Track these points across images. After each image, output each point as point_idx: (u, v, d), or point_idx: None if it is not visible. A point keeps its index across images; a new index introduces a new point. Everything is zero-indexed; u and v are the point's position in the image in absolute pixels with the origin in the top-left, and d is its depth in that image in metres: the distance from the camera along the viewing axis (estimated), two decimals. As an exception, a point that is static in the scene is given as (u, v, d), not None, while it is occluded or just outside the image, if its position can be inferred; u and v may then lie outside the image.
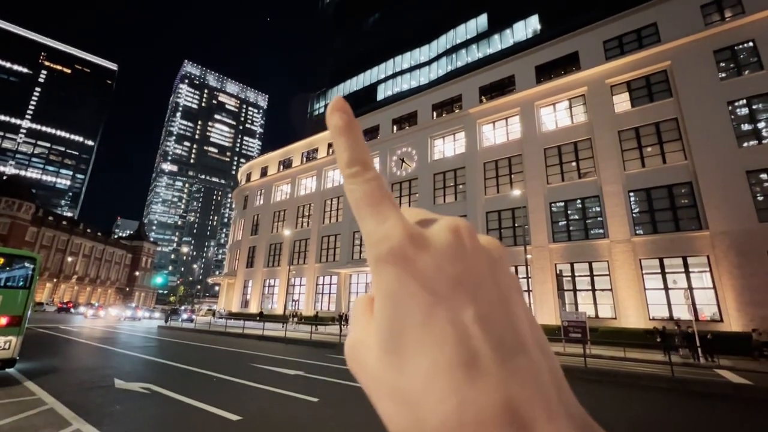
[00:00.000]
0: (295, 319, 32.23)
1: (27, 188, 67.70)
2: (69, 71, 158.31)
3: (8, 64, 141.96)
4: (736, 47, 20.92)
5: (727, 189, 19.09)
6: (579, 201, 24.04)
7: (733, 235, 18.51)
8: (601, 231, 22.77)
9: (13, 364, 7.96)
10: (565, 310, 21.85)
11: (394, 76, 56.32)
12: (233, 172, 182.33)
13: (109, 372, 9.49)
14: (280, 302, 39.21)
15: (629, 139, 23.09)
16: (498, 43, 45.04)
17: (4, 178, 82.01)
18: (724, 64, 21.17)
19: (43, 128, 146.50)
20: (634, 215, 21.92)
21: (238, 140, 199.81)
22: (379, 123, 37.45)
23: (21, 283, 8.28)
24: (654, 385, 10.25)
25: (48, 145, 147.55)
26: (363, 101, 57.56)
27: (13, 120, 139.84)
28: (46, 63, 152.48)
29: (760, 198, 18.63)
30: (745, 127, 19.84)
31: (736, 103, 20.21)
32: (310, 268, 37.92)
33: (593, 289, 22.31)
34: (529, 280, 23.07)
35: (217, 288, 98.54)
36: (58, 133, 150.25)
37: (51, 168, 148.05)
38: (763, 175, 18.79)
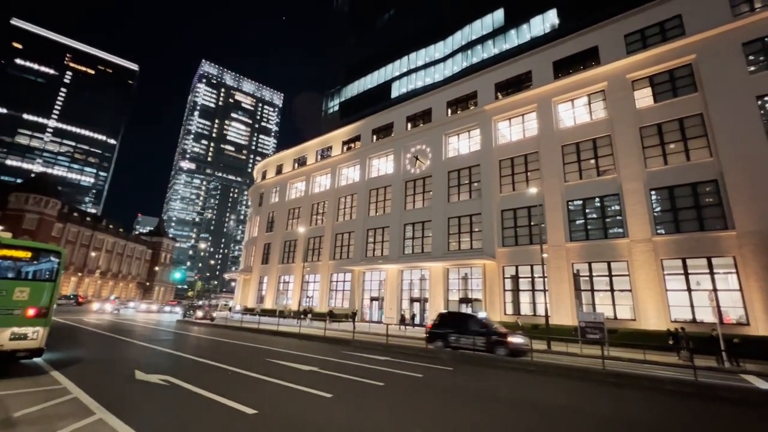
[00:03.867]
0: (310, 316, 32.30)
1: (53, 185, 70.24)
2: (92, 72, 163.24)
3: (36, 66, 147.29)
4: (766, 39, 20.01)
5: (756, 187, 18.33)
6: (597, 199, 23.49)
7: (762, 234, 17.76)
8: (620, 230, 22.20)
9: (41, 353, 8.26)
10: (583, 310, 21.43)
11: (408, 73, 56.03)
12: (249, 170, 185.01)
13: (130, 364, 9.77)
14: (294, 299, 39.65)
15: (651, 135, 22.40)
16: (515, 38, 44.26)
17: (33, 175, 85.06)
18: (753, 57, 20.28)
19: (68, 127, 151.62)
20: (655, 214, 21.28)
21: (254, 138, 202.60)
22: (393, 120, 37.33)
23: (47, 276, 8.59)
24: (676, 389, 9.93)
25: (73, 143, 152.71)
26: (377, 99, 57.51)
27: (40, 119, 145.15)
28: (71, 64, 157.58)
29: (792, 197, 17.80)
30: (776, 122, 18.98)
31: (766, 98, 19.35)
32: (324, 265, 38.20)
33: (612, 290, 21.79)
34: (545, 279, 22.63)
35: (233, 283, 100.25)
36: (83, 132, 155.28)
37: (76, 166, 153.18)
38: (795, 173, 17.94)
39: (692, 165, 20.61)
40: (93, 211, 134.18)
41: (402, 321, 27.35)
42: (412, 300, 30.98)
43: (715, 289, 18.17)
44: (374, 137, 38.71)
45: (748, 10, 21.12)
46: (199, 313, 30.98)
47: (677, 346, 15.91)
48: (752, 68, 20.08)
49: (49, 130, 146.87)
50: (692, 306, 19.11)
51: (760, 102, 19.37)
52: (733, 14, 21.27)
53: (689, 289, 19.42)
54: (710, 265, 19.13)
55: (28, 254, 8.45)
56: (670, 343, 16.31)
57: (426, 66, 54.04)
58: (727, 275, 18.93)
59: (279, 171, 50.11)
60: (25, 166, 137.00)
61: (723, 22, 21.11)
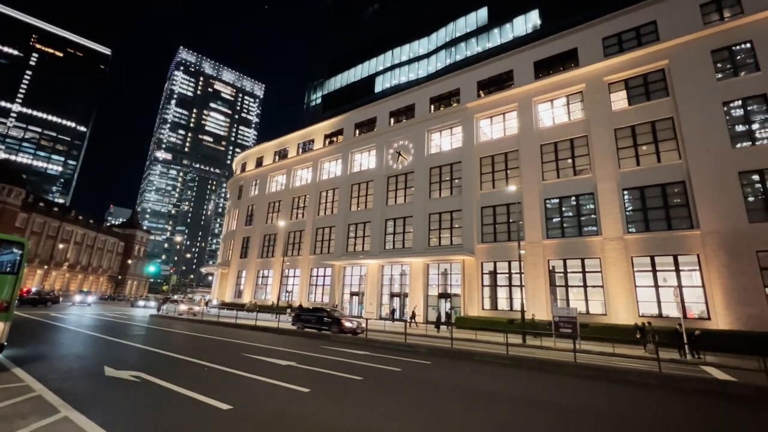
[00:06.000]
0: (289, 311, 32.11)
1: (17, 173, 66.57)
2: (61, 55, 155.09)
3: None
4: (733, 47, 20.99)
5: (720, 189, 19.29)
6: (573, 198, 24.17)
7: (724, 234, 18.74)
8: (594, 228, 22.94)
9: (1, 349, 7.87)
10: (557, 305, 22.07)
11: (392, 68, 55.81)
12: (228, 162, 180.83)
13: (99, 360, 9.43)
14: (273, 293, 39.18)
15: (625, 137, 23.19)
16: (497, 37, 44.74)
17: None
18: (721, 65, 21.24)
19: (35, 113, 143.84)
20: (627, 213, 22.09)
21: (234, 129, 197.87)
22: (377, 115, 37.19)
23: (9, 268, 8.15)
24: (642, 380, 10.40)
25: (39, 130, 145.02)
26: (360, 93, 57.07)
27: (3, 103, 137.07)
28: (38, 46, 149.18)
29: (751, 198, 18.86)
30: (740, 128, 20.00)
31: (732, 104, 20.34)
32: (305, 259, 37.87)
33: (585, 286, 22.54)
34: (522, 275, 23.22)
35: (210, 278, 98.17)
36: (50, 118, 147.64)
37: (42, 153, 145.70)
38: (755, 176, 19.00)
39: (662, 167, 21.47)
40: (61, 201, 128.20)
41: (412, 317, 25.78)
42: (392, 295, 31.15)
43: (680, 286, 19.10)
44: (357, 132, 38.47)
45: (717, 19, 22.05)
46: (348, 324, 18.95)
47: (644, 339, 16.65)
48: (720, 75, 21.03)
49: (12, 114, 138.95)
50: (659, 301, 20.01)
51: (726, 108, 20.33)
52: (703, 22, 22.18)
53: (656, 285, 20.33)
54: (676, 263, 20.07)
55: (-12, 245, 8.00)
56: (637, 337, 17.05)
57: (410, 62, 53.96)
58: (691, 272, 19.91)
59: (259, 163, 49.18)
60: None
61: (694, 29, 21.99)
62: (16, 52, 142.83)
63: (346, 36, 65.33)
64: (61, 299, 41.35)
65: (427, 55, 52.06)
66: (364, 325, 18.74)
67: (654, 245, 20.71)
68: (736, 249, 18.39)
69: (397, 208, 32.70)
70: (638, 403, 8.02)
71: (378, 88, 56.05)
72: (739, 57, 20.92)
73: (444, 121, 31.78)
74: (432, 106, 33.72)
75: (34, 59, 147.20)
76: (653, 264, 20.67)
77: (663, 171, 21.39)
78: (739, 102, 20.13)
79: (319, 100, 66.23)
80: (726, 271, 18.47)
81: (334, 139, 41.15)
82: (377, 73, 57.36)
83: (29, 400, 5.72)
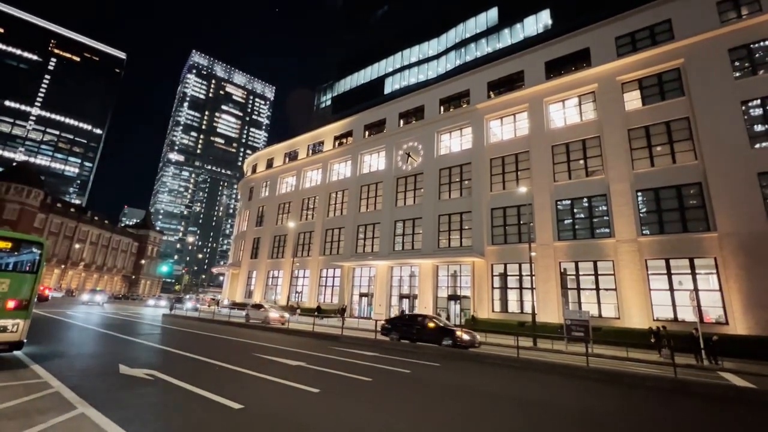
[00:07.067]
0: (299, 311, 32.25)
1: (36, 175, 68.46)
2: (78, 59, 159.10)
3: (19, 51, 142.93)
4: (752, 46, 20.47)
5: (738, 190, 18.81)
6: (585, 199, 23.83)
7: (742, 237, 18.26)
8: (607, 230, 22.57)
9: (21, 346, 8.07)
10: (569, 308, 21.77)
11: (401, 69, 55.85)
12: (239, 163, 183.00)
13: (114, 358, 9.61)
14: (283, 294, 39.46)
15: (639, 137, 22.78)
16: (508, 37, 44.42)
17: (14, 164, 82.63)
18: (738, 63, 20.74)
19: (52, 116, 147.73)
20: (641, 215, 21.69)
21: (245, 131, 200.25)
22: (386, 117, 37.23)
23: (28, 267, 8.37)
24: (656, 386, 10.18)
25: (57, 132, 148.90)
26: (370, 94, 57.25)
27: (23, 107, 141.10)
28: (56, 51, 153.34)
29: (771, 200, 18.32)
30: (759, 127, 19.48)
31: (750, 104, 19.82)
32: (314, 260, 38.07)
33: (597, 289, 22.17)
34: (533, 277, 22.97)
35: (221, 278, 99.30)
36: (67, 120, 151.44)
37: (60, 155, 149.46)
38: (775, 177, 18.46)
39: (678, 168, 21.03)
40: (77, 202, 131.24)
41: None
42: (401, 296, 31.09)
43: (696, 289, 18.63)
44: (366, 133, 38.56)
45: (735, 17, 21.55)
46: (465, 337, 15.41)
47: (659, 344, 16.31)
48: (737, 74, 20.53)
49: (32, 118, 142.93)
50: (674, 305, 19.57)
51: (744, 107, 19.84)
52: (720, 20, 21.70)
53: (671, 289, 19.89)
54: (692, 266, 19.60)
55: (9, 245, 8.23)
56: (652, 341, 16.71)
57: (419, 63, 53.92)
58: (708, 276, 19.42)
59: (269, 165, 49.63)
60: (7, 154, 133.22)
61: (711, 27, 21.51)
62: (35, 57, 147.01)
63: (355, 38, 65.64)
64: (50, 297, 38.57)
65: (437, 57, 51.96)
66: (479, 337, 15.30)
67: (669, 248, 20.28)
68: (755, 251, 17.89)
69: (406, 209, 32.66)
70: (652, 408, 7.86)
71: (387, 90, 56.13)
72: (757, 55, 20.38)
73: (454, 122, 31.65)
74: (442, 108, 33.61)
75: (53, 64, 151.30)
76: (668, 267, 20.23)
77: (678, 172, 20.94)
78: (758, 101, 19.61)
79: (329, 102, 66.62)
80: (744, 274, 17.99)
81: (344, 140, 41.31)
82: (387, 75, 57.46)
83: (47, 396, 5.87)
